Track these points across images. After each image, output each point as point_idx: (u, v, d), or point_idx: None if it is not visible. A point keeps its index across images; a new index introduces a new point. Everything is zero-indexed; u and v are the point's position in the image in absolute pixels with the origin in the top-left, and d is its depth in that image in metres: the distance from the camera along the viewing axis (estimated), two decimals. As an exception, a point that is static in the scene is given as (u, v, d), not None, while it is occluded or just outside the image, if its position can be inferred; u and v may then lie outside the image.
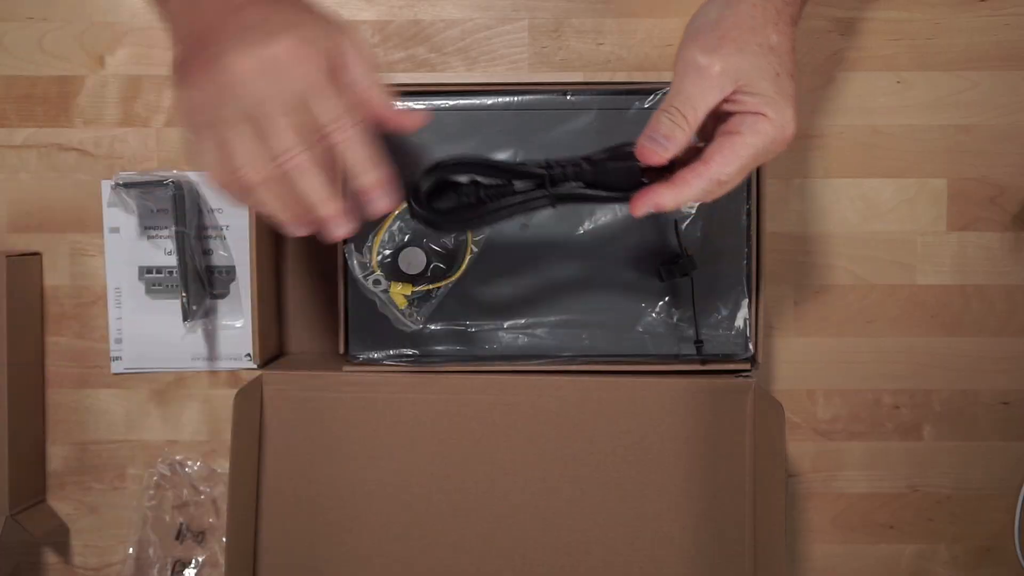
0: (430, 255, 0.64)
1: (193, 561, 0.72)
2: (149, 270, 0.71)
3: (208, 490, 0.72)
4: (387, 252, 0.63)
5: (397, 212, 0.63)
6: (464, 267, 0.63)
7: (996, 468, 0.72)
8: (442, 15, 0.70)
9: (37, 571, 0.73)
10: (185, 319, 0.69)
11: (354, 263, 0.63)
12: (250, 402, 0.64)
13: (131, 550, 0.72)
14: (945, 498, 0.72)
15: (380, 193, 0.45)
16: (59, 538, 0.72)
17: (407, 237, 0.64)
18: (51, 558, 0.73)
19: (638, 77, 0.70)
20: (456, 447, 0.66)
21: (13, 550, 0.72)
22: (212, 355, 0.72)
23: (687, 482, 0.65)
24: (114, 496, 0.72)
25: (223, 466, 0.72)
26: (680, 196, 0.51)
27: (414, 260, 0.63)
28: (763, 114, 0.50)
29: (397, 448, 0.66)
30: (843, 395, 0.72)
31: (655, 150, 0.51)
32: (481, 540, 0.66)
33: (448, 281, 0.63)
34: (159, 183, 0.68)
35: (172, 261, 0.70)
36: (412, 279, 0.64)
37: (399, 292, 0.63)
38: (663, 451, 0.65)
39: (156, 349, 0.72)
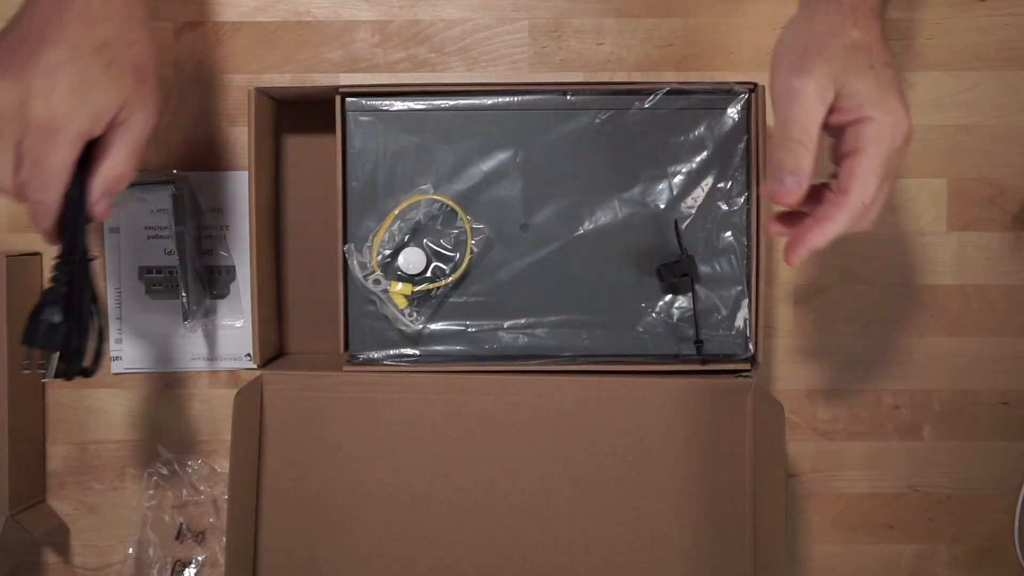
0: (430, 255, 0.64)
1: (193, 561, 0.72)
2: (149, 270, 0.71)
3: (208, 490, 0.72)
4: (387, 252, 0.63)
5: (397, 212, 0.63)
6: (464, 267, 0.63)
7: (996, 468, 0.72)
8: (442, 15, 0.70)
9: (37, 571, 0.73)
10: (185, 319, 0.69)
11: (354, 263, 0.63)
12: (250, 402, 0.64)
13: (131, 550, 0.72)
14: (945, 498, 0.72)
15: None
16: (59, 538, 0.72)
17: (407, 237, 0.64)
18: (51, 558, 0.73)
19: (638, 77, 0.70)
20: (456, 447, 0.66)
21: (13, 550, 0.72)
22: (212, 355, 0.72)
23: (687, 482, 0.65)
24: (114, 496, 0.72)
25: (223, 466, 0.72)
26: (829, 232, 0.50)
27: (414, 260, 0.63)
28: (870, 117, 0.49)
29: (397, 448, 0.66)
30: (843, 395, 0.72)
31: (789, 189, 0.50)
32: (481, 540, 0.66)
33: (448, 281, 0.63)
34: (159, 183, 0.68)
35: (172, 261, 0.70)
36: (412, 279, 0.64)
37: (399, 292, 0.63)
38: (663, 451, 0.65)
39: (156, 349, 0.72)
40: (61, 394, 0.72)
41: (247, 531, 0.65)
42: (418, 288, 0.63)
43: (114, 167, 0.51)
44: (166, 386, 0.72)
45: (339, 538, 0.66)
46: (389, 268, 0.64)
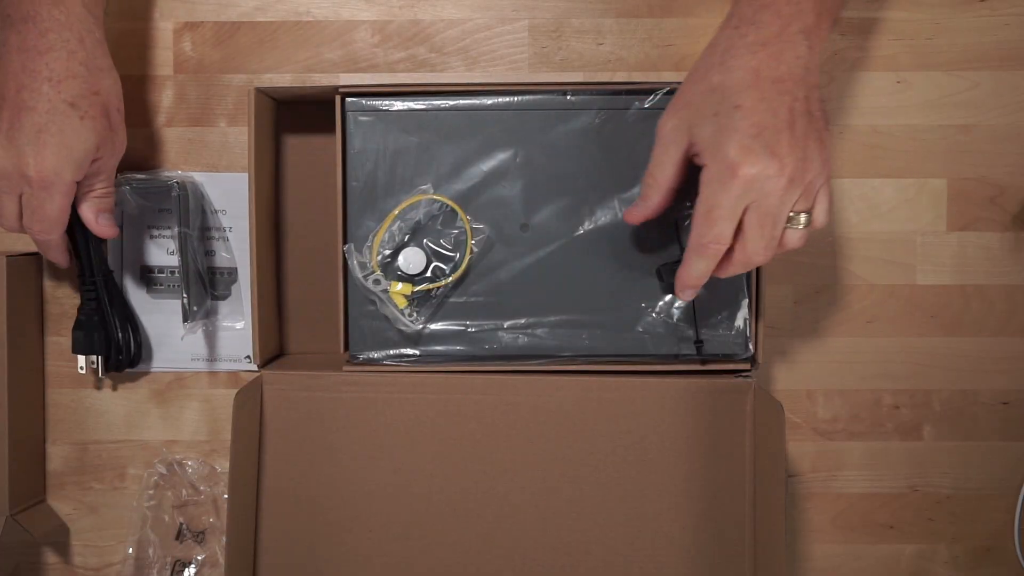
0: (430, 255, 0.64)
1: (193, 561, 0.72)
2: (151, 270, 0.71)
3: (208, 490, 0.72)
4: (387, 252, 0.63)
5: (397, 212, 0.63)
6: (464, 267, 0.63)
7: (996, 468, 0.72)
8: (442, 15, 0.70)
9: (37, 571, 0.73)
10: (186, 320, 0.69)
11: (354, 263, 0.63)
12: (250, 402, 0.64)
13: (131, 550, 0.72)
14: (945, 498, 0.72)
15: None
16: (59, 538, 0.72)
17: (407, 237, 0.64)
18: (51, 558, 0.73)
19: (638, 77, 0.70)
20: (456, 447, 0.66)
21: (13, 550, 0.72)
22: (212, 356, 0.72)
23: (687, 482, 0.65)
24: (114, 496, 0.72)
25: (223, 466, 0.72)
26: (689, 274, 0.55)
27: (414, 260, 0.63)
28: (704, 163, 0.51)
29: (397, 448, 0.66)
30: (843, 395, 0.72)
31: (633, 211, 0.58)
32: (481, 540, 0.66)
33: (448, 281, 0.63)
34: (163, 183, 0.68)
35: (174, 261, 0.70)
36: (412, 279, 0.64)
37: (399, 292, 0.63)
38: (663, 451, 0.65)
39: (156, 349, 0.72)
40: (61, 394, 0.72)
41: (247, 531, 0.65)
42: (418, 288, 0.63)
43: (99, 195, 0.62)
44: (166, 386, 0.72)
45: (339, 538, 0.66)
46: (389, 268, 0.64)
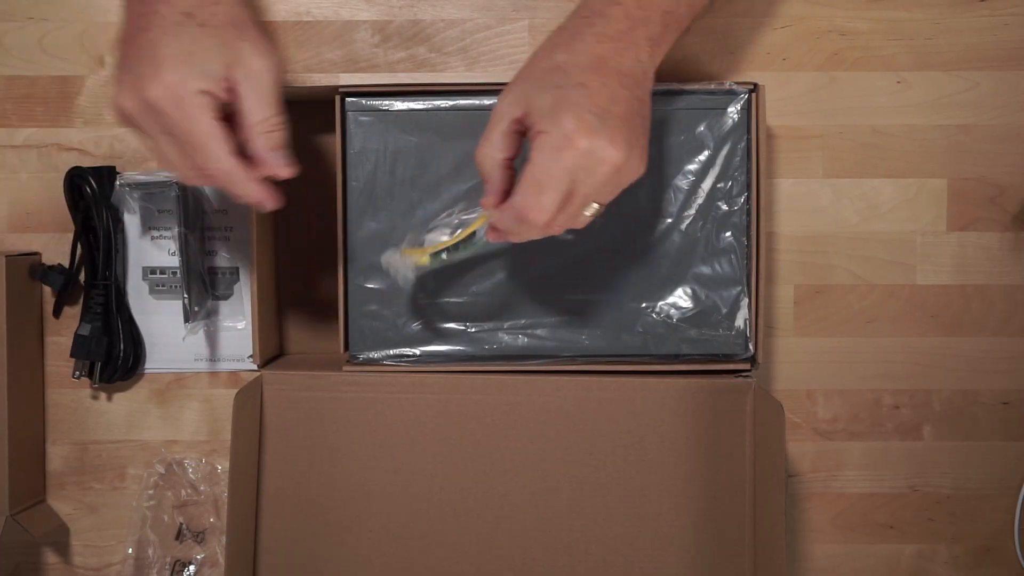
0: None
1: (193, 561, 0.72)
2: (152, 270, 0.71)
3: (208, 490, 0.72)
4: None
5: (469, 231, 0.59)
6: (473, 243, 0.59)
7: (996, 468, 0.72)
8: (442, 15, 0.70)
9: (37, 571, 0.73)
10: (187, 320, 0.69)
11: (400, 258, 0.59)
12: (250, 402, 0.64)
13: (130, 550, 0.72)
14: (945, 498, 0.72)
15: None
16: (59, 538, 0.72)
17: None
18: (51, 558, 0.73)
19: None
20: (456, 447, 0.66)
21: (13, 550, 0.72)
22: (213, 356, 0.72)
23: (687, 482, 0.65)
24: (114, 496, 0.72)
25: (223, 466, 0.72)
26: (502, 235, 0.53)
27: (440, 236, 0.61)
28: (540, 130, 0.50)
29: (397, 448, 0.66)
30: (843, 395, 0.72)
31: (488, 199, 0.53)
32: (481, 540, 0.66)
33: (460, 237, 0.59)
34: (164, 184, 0.68)
35: (175, 262, 0.70)
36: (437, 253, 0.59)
37: (420, 252, 0.59)
38: (663, 451, 0.65)
39: (157, 349, 0.72)
40: (61, 394, 0.72)
41: (247, 531, 0.65)
42: (435, 252, 0.59)
43: (253, 116, 0.51)
44: (166, 386, 0.72)
45: (339, 538, 0.66)
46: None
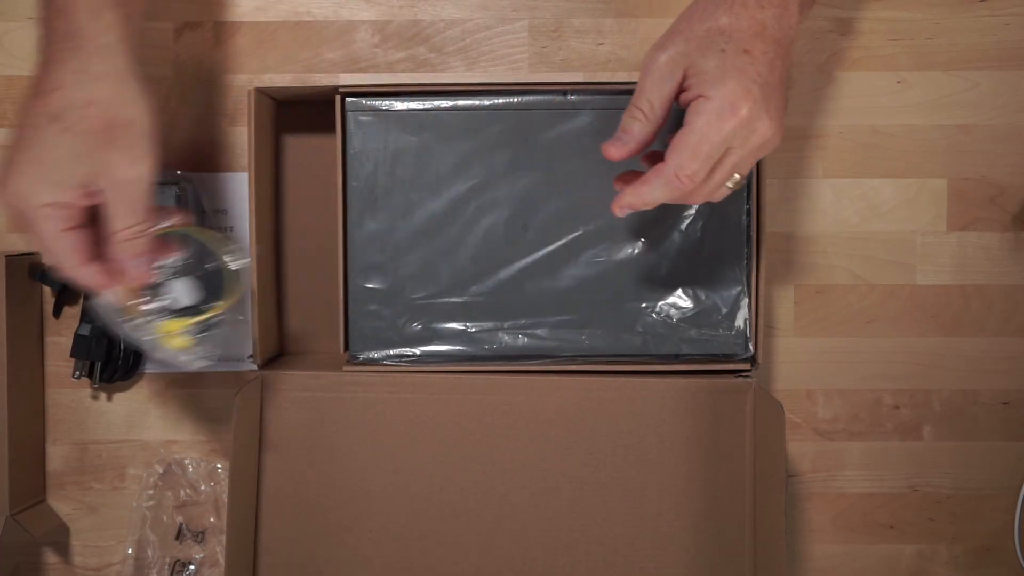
0: (202, 285, 0.57)
1: (193, 561, 0.72)
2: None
3: (208, 490, 0.72)
4: (146, 294, 0.55)
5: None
6: (232, 292, 0.57)
7: (996, 468, 0.72)
8: (442, 15, 0.70)
9: (37, 571, 0.73)
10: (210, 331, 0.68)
11: (106, 312, 0.54)
12: (250, 402, 0.64)
13: (130, 550, 0.72)
14: (945, 498, 0.72)
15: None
16: (59, 538, 0.72)
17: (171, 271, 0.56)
18: (51, 558, 0.73)
19: (638, 77, 0.70)
20: (456, 447, 0.66)
21: (13, 550, 0.72)
22: (213, 357, 0.72)
23: (687, 482, 0.65)
24: (114, 496, 0.72)
25: (223, 466, 0.72)
26: (643, 194, 0.53)
27: (189, 292, 0.56)
28: (703, 95, 0.49)
29: (397, 448, 0.66)
30: (843, 395, 0.72)
31: (615, 145, 0.53)
32: (481, 540, 0.66)
33: (221, 308, 0.57)
34: (163, 184, 0.68)
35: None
36: (186, 312, 0.56)
37: (173, 333, 0.55)
38: (663, 451, 0.65)
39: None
40: (61, 394, 0.72)
41: (247, 531, 0.65)
42: (193, 321, 0.55)
43: (113, 224, 0.49)
44: (166, 386, 0.72)
45: (339, 538, 0.66)
46: (154, 309, 0.55)
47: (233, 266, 0.57)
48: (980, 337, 0.71)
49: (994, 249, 0.71)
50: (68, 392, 0.72)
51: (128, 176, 0.49)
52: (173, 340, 0.55)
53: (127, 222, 0.49)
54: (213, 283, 0.56)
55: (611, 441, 0.65)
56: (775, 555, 0.61)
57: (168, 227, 0.53)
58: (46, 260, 0.51)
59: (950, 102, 0.70)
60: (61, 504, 0.72)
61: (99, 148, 0.48)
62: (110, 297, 0.52)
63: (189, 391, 0.72)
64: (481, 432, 0.66)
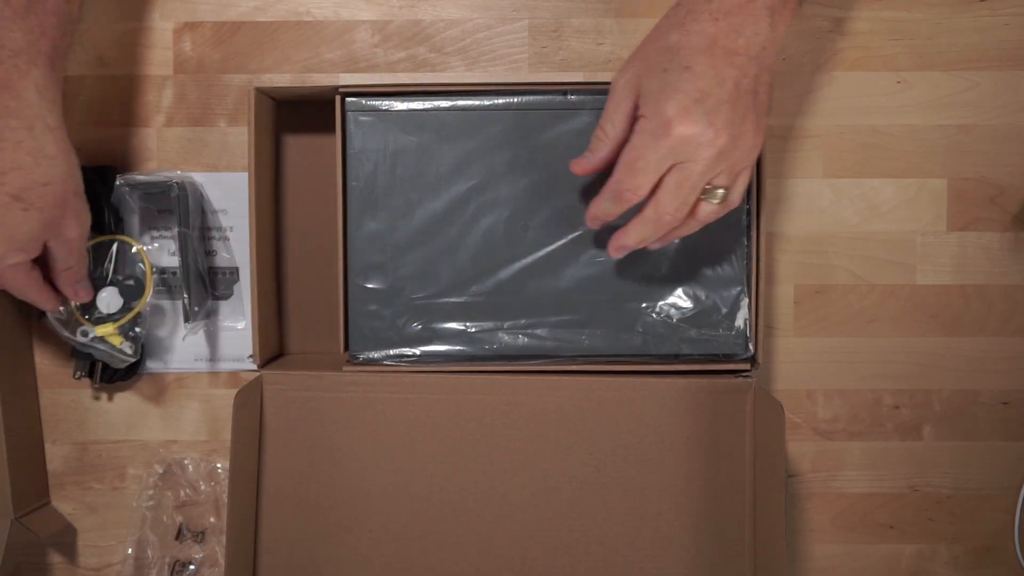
0: (123, 290, 0.67)
1: (193, 561, 0.72)
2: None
3: (208, 490, 0.72)
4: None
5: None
6: (149, 287, 0.67)
7: (996, 468, 0.72)
8: (442, 15, 0.70)
9: (37, 571, 0.73)
10: (187, 321, 0.69)
11: (56, 326, 0.66)
12: (250, 402, 0.64)
13: (130, 550, 0.72)
14: (945, 498, 0.72)
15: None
16: (60, 539, 0.72)
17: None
18: (52, 558, 0.73)
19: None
20: (456, 447, 0.66)
21: (14, 550, 0.72)
22: (214, 357, 0.72)
23: (687, 482, 0.65)
24: (114, 496, 0.72)
25: (223, 465, 0.72)
26: (599, 206, 0.56)
27: (112, 299, 0.66)
28: (643, 115, 0.51)
29: (397, 448, 0.66)
30: (843, 395, 0.72)
31: (580, 163, 0.57)
32: (481, 540, 0.66)
33: (144, 301, 0.67)
34: (164, 184, 0.68)
35: (175, 262, 0.70)
36: (113, 317, 0.66)
37: (110, 334, 0.66)
38: (663, 451, 0.65)
39: (158, 350, 0.71)
40: (61, 394, 0.72)
41: (247, 531, 0.65)
42: (121, 323, 0.66)
43: (59, 264, 0.61)
44: (166, 386, 0.72)
45: (339, 538, 0.66)
46: (87, 317, 0.66)
47: (134, 249, 0.68)
48: (980, 337, 0.71)
49: (994, 249, 0.71)
50: (68, 392, 0.72)
51: (74, 234, 0.60)
52: (112, 339, 0.66)
53: (69, 263, 0.61)
54: (134, 287, 0.67)
55: (611, 441, 0.65)
56: (775, 555, 0.61)
57: (92, 242, 0.67)
58: (13, 295, 0.61)
59: (950, 102, 0.70)
60: (61, 504, 0.72)
61: (55, 219, 0.58)
62: (60, 314, 0.66)
63: (189, 391, 0.72)
64: (481, 432, 0.66)
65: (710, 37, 0.51)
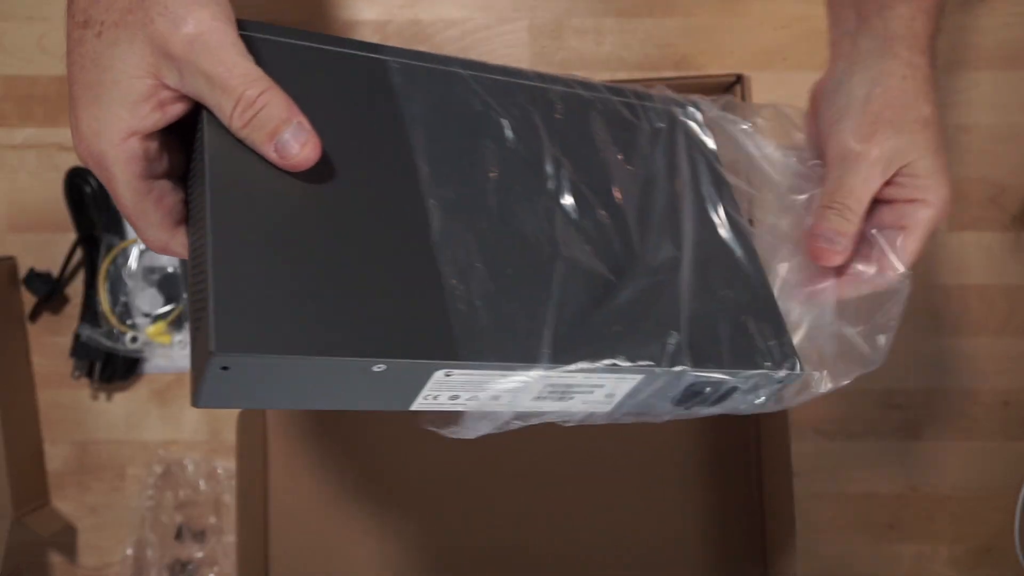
0: (158, 286, 0.67)
1: (192, 561, 0.72)
2: (152, 270, 0.71)
3: (208, 490, 0.72)
4: (118, 309, 0.66)
5: (104, 272, 0.65)
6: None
7: (996, 468, 0.72)
8: (442, 15, 0.70)
9: (37, 571, 0.73)
10: (187, 321, 0.68)
11: (101, 339, 0.65)
12: (255, 421, 0.64)
13: (130, 550, 0.72)
14: (945, 498, 0.72)
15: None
16: (60, 539, 0.72)
17: (130, 284, 0.66)
18: (52, 558, 0.73)
19: (638, 77, 0.70)
20: (459, 450, 0.66)
21: (14, 551, 0.72)
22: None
23: (688, 482, 0.65)
24: (114, 496, 0.72)
25: (223, 466, 0.72)
26: (856, 292, 0.50)
27: (154, 299, 0.66)
28: (923, 200, 0.48)
29: (401, 451, 0.66)
30: (843, 395, 0.72)
31: (831, 249, 0.48)
32: (484, 541, 0.66)
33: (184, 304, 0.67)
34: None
35: (175, 261, 0.70)
36: (161, 316, 0.66)
37: (159, 333, 0.66)
38: (664, 451, 0.65)
39: (158, 350, 0.71)
40: (60, 394, 0.72)
41: (256, 532, 0.65)
42: (171, 318, 0.66)
43: (223, 111, 0.36)
44: (166, 386, 0.72)
45: (348, 541, 0.66)
46: (127, 320, 0.66)
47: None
48: (980, 337, 0.71)
49: (994, 249, 0.71)
50: (68, 392, 0.72)
51: (198, 32, 0.35)
52: (160, 338, 0.66)
53: (233, 94, 0.35)
54: (163, 280, 0.67)
55: (612, 441, 0.65)
56: (781, 554, 0.61)
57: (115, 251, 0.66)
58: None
59: (950, 102, 0.70)
60: (61, 504, 0.72)
61: (156, 39, 0.35)
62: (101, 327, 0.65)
63: (189, 391, 0.72)
64: (488, 436, 0.65)
65: (935, 103, 0.49)
